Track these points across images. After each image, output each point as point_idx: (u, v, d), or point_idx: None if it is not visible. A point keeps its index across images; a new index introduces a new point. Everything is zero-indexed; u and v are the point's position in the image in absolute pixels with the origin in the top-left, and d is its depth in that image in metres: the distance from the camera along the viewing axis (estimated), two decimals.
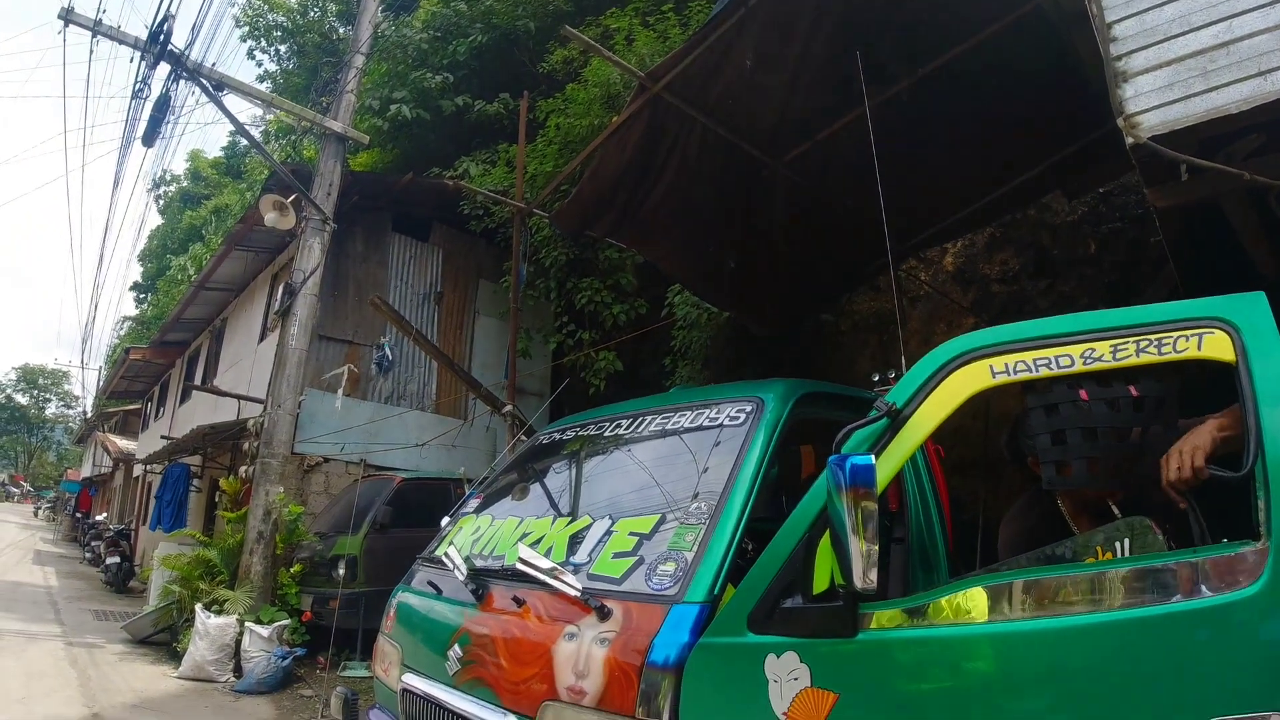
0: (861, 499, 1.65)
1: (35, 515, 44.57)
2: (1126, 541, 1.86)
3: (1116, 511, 2.03)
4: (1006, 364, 1.96)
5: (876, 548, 1.66)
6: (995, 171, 5.83)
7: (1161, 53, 2.94)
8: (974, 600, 1.82)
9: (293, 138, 19.29)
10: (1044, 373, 1.94)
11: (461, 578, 2.76)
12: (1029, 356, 1.95)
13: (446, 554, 2.94)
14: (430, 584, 3.13)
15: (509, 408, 6.52)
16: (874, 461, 1.67)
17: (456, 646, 2.65)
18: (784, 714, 1.84)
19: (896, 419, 1.94)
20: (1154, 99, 2.91)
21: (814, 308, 7.94)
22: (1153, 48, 2.96)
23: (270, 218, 9.03)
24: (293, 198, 9.12)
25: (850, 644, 1.82)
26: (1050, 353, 1.94)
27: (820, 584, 1.87)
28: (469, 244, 12.63)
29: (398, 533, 8.37)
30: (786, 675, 1.86)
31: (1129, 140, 2.91)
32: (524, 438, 5.17)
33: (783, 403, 2.59)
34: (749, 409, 2.59)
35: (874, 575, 1.65)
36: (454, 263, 12.71)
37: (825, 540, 1.86)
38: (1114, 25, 3.04)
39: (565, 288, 10.35)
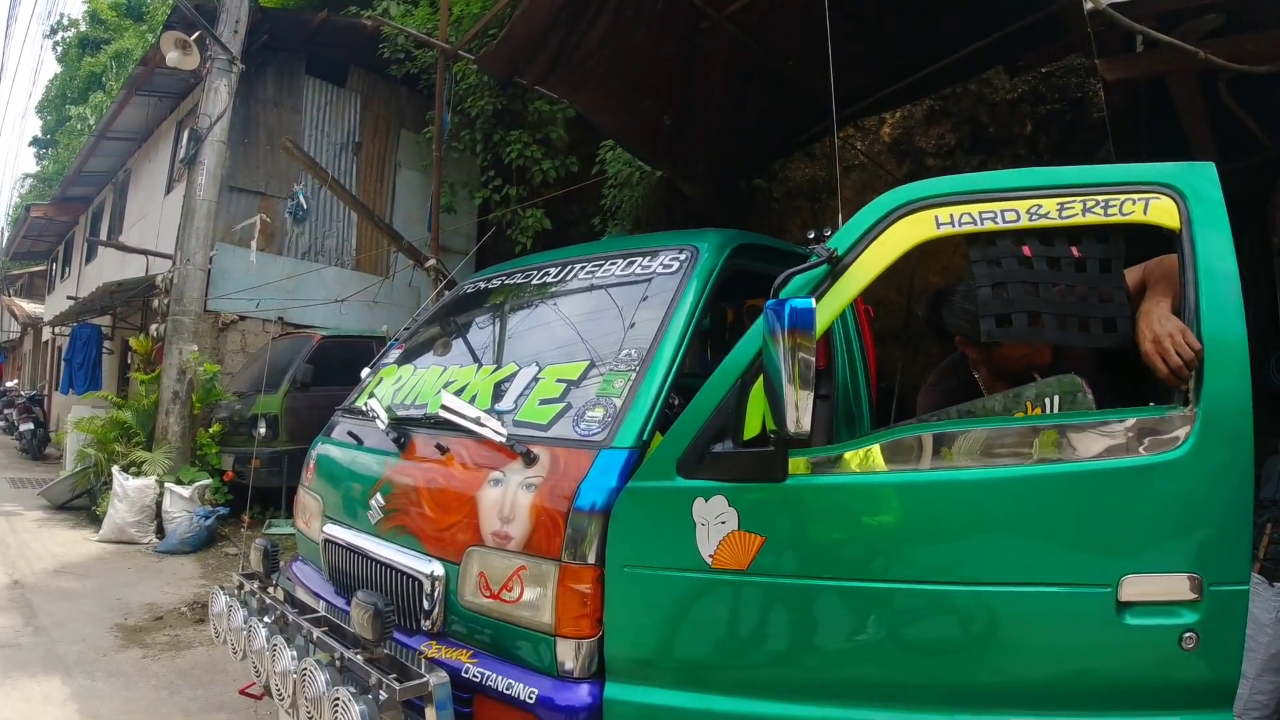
0: (799, 343, 1.61)
1: None
2: (1056, 399, 1.88)
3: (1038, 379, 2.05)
4: (952, 215, 1.91)
5: (811, 393, 1.63)
6: (939, 42, 5.67)
7: None
8: (900, 448, 1.84)
9: None
10: (989, 226, 1.90)
11: (383, 427, 2.68)
12: (975, 209, 1.91)
13: (367, 404, 2.85)
14: (351, 435, 3.05)
15: (432, 262, 6.32)
16: (814, 305, 1.62)
17: (379, 496, 2.60)
18: (710, 556, 1.86)
19: (837, 265, 1.88)
20: None
21: (749, 171, 7.82)
22: None
23: (172, 57, 8.36)
24: (196, 35, 8.41)
25: (779, 489, 1.83)
26: (996, 206, 1.91)
27: (751, 430, 1.86)
28: (389, 91, 11.94)
29: (318, 391, 8.25)
30: (714, 519, 1.86)
31: (1088, 6, 2.81)
32: (446, 292, 5.01)
33: (718, 252, 2.51)
34: (683, 257, 2.51)
35: (807, 420, 1.63)
36: (373, 110, 12.03)
37: (758, 386, 1.83)
38: None
39: (492, 141, 9.89)
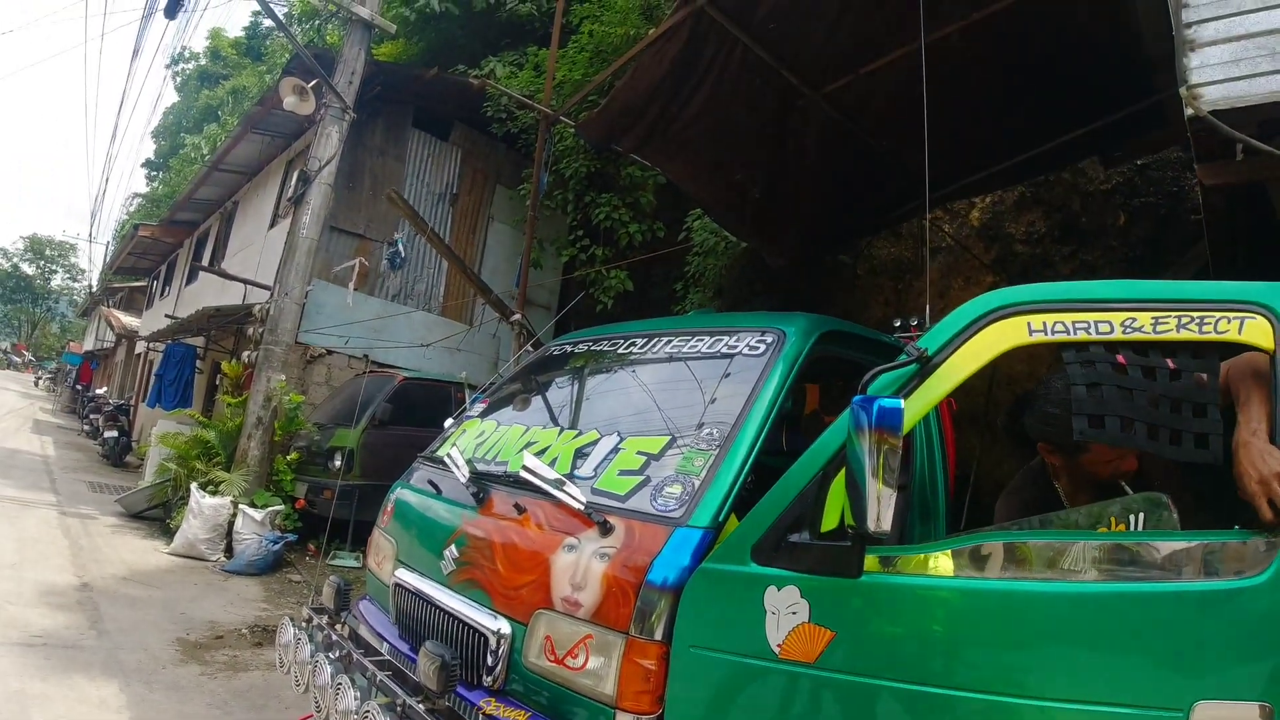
0: (885, 441, 1.62)
1: (35, 385, 44.92)
2: (1141, 515, 1.84)
3: (1128, 490, 2.01)
4: (1045, 323, 1.90)
5: (894, 493, 1.63)
6: (1034, 130, 5.65)
7: (1233, 26, 2.85)
8: (979, 555, 1.81)
9: (317, 22, 18.82)
10: (1081, 336, 1.89)
11: (463, 480, 2.76)
12: (1068, 318, 1.90)
13: (449, 455, 2.94)
14: (430, 483, 3.14)
15: (517, 316, 6.48)
16: (903, 405, 1.63)
17: (453, 547, 2.66)
18: (779, 645, 1.86)
19: (926, 365, 1.89)
20: (1219, 73, 2.82)
21: (833, 247, 7.84)
22: (1224, 20, 2.87)
23: (289, 101, 8.88)
24: (313, 83, 8.93)
25: (854, 584, 1.82)
26: (1091, 317, 1.89)
27: (830, 522, 1.86)
28: (489, 147, 12.40)
29: (396, 430, 8.47)
30: (786, 608, 1.86)
31: (1189, 111, 2.82)
32: (530, 348, 5.14)
33: (804, 337, 2.54)
34: (770, 340, 2.55)
35: (888, 519, 1.63)
36: (472, 165, 12.50)
37: (839, 479, 1.84)
38: None
39: (583, 201, 10.18)
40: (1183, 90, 2.85)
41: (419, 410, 8.45)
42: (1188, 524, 1.82)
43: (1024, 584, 1.77)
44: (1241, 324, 1.83)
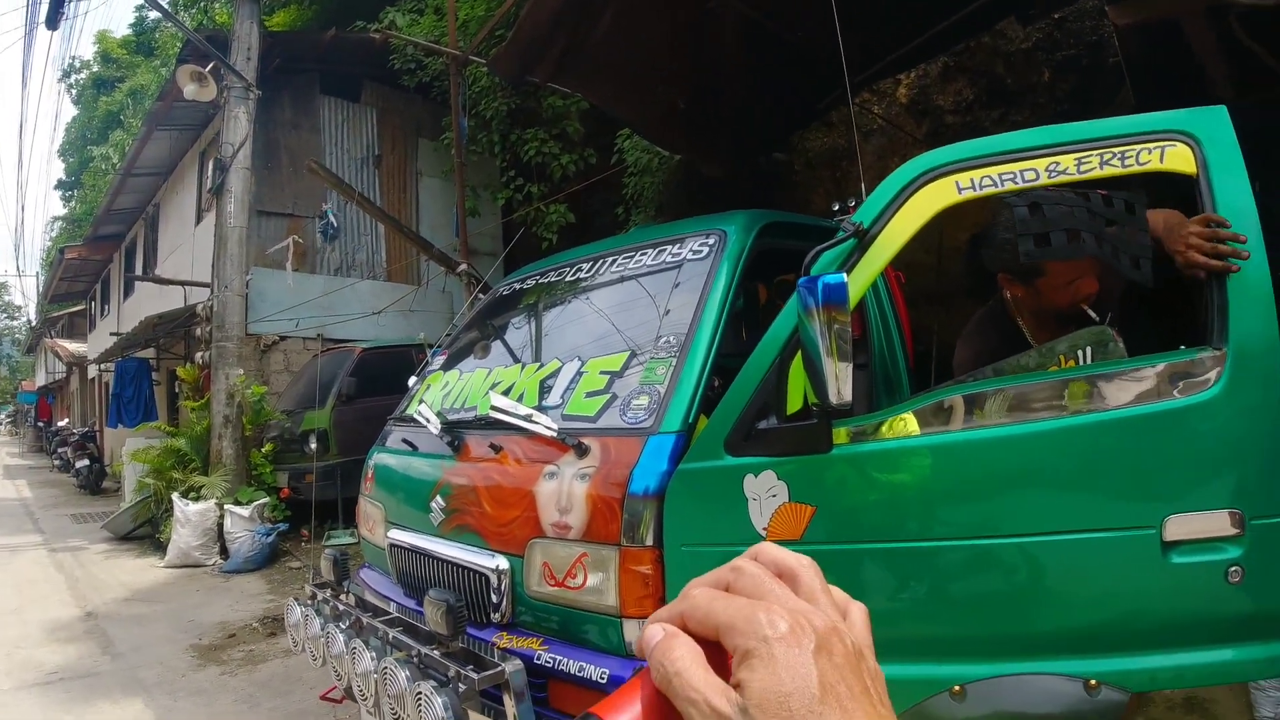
0: (834, 317, 1.66)
1: None
2: (1089, 350, 1.92)
3: (1093, 316, 2.07)
4: (972, 179, 1.94)
5: (850, 365, 1.68)
6: None
7: None
8: (941, 411, 1.89)
9: (203, 3, 17.91)
10: (1009, 187, 1.93)
11: (436, 431, 2.78)
12: (994, 171, 1.94)
13: (418, 411, 2.95)
14: (405, 442, 3.16)
15: (463, 267, 6.42)
16: (846, 279, 1.67)
17: (439, 498, 2.69)
18: (764, 528, 1.93)
19: (864, 238, 1.93)
20: None
21: (767, 146, 7.80)
22: None
23: (190, 90, 8.55)
24: (211, 66, 8.59)
25: (825, 459, 1.89)
26: (1015, 167, 1.93)
27: (794, 404, 1.92)
28: (404, 102, 12.08)
29: (363, 402, 8.44)
30: (765, 493, 1.93)
31: None
32: (481, 295, 5.11)
33: (745, 233, 2.57)
34: (712, 242, 2.57)
35: (848, 391, 1.69)
36: (390, 122, 12.18)
37: (796, 362, 1.89)
38: None
39: (509, 140, 9.98)
40: None
41: (383, 379, 8.37)
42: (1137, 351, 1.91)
43: (984, 431, 1.85)
44: (1163, 153, 1.88)
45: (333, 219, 10.60)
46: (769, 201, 8.10)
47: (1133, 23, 3.25)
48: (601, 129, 9.14)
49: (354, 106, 11.84)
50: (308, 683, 4.50)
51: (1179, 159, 1.87)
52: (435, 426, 2.79)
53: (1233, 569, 1.70)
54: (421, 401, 3.12)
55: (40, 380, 33.67)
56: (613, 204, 9.20)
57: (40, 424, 27.99)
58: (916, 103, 7.99)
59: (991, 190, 1.93)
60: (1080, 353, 1.94)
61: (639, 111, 6.14)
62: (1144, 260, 1.88)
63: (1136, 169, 1.89)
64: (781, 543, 1.66)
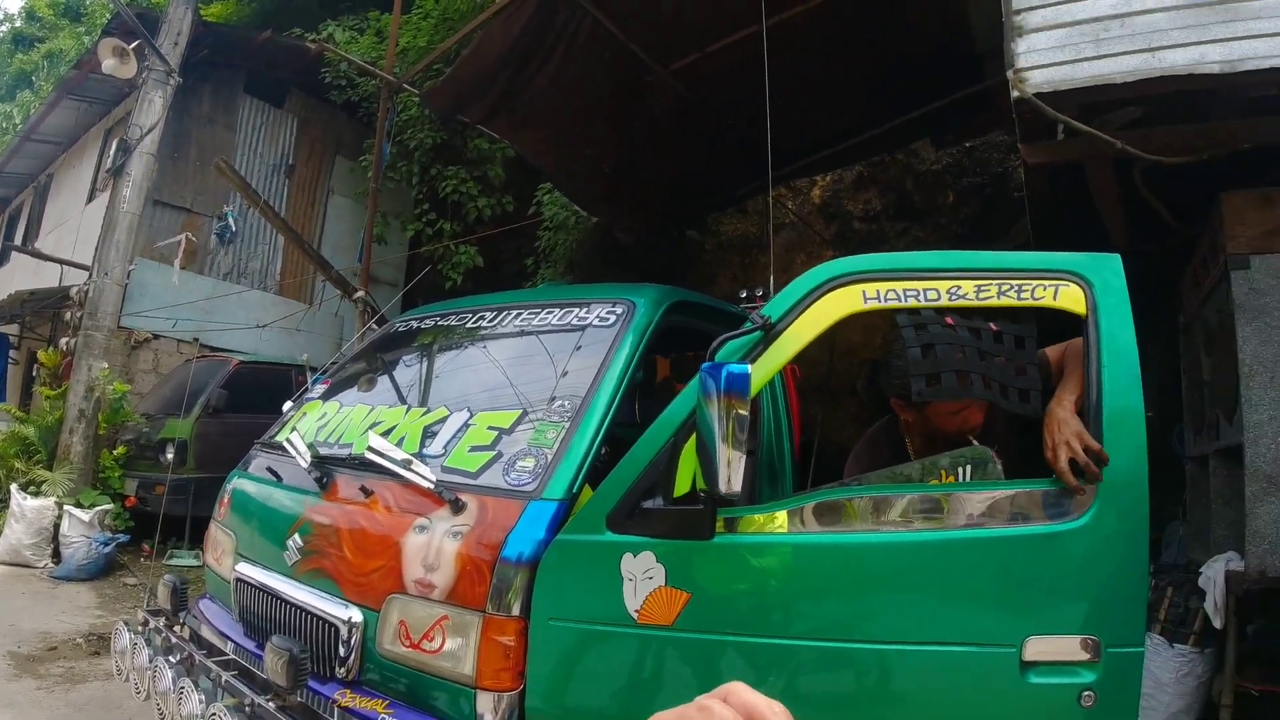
0: (733, 406, 1.66)
1: None
2: (969, 467, 1.98)
3: (976, 444, 2.14)
4: (878, 290, 2.01)
5: (743, 456, 1.68)
6: (872, 112, 5.97)
7: (1060, 14, 3.03)
8: (824, 511, 1.90)
9: None
10: (912, 303, 2.01)
11: (304, 465, 2.62)
12: (900, 286, 2.01)
13: (289, 440, 2.79)
14: (269, 470, 2.97)
15: (361, 294, 6.22)
16: (749, 370, 1.68)
17: (297, 536, 2.53)
18: (636, 611, 1.88)
19: (770, 332, 1.96)
20: (1045, 57, 3.00)
21: (683, 222, 7.99)
22: (1052, 8, 3.04)
23: (109, 64, 8.12)
24: (135, 44, 8.17)
25: (707, 546, 1.87)
26: (919, 285, 2.02)
27: (682, 487, 1.90)
28: (328, 116, 11.79)
29: (232, 418, 7.96)
30: (642, 574, 1.88)
31: (1015, 93, 3.00)
32: (375, 326, 4.95)
33: (654, 307, 2.57)
34: (620, 311, 2.56)
35: (738, 481, 1.68)
36: (310, 134, 11.86)
37: (690, 445, 1.88)
38: None
39: (429, 174, 9.86)
40: (1010, 73, 3.02)
41: (257, 396, 7.96)
42: (1015, 475, 1.98)
43: (854, 535, 1.88)
44: (1056, 291, 2.00)
45: (232, 222, 10.18)
46: (678, 276, 8.28)
47: (1042, 163, 3.47)
48: (524, 178, 9.16)
49: (276, 112, 11.49)
50: (127, 712, 4.11)
51: (1071, 299, 1.99)
52: (304, 459, 2.64)
53: (1086, 693, 1.76)
54: (294, 430, 2.95)
55: None
56: (524, 254, 9.19)
57: None
58: (828, 205, 8.37)
59: (895, 304, 2.00)
60: (961, 469, 2.00)
61: (564, 168, 6.20)
62: (1033, 393, 1.96)
63: (1031, 303, 1.99)
64: (652, 628, 1.61)
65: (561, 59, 4.96)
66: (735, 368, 1.67)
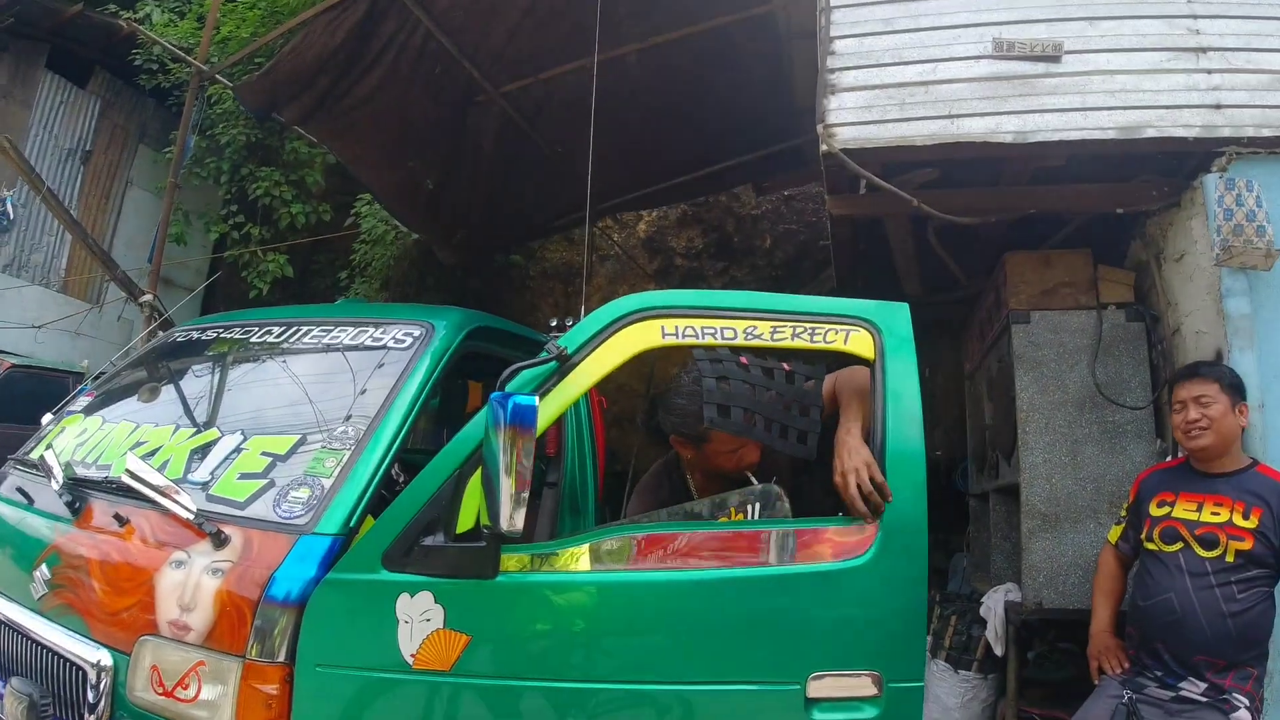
0: (519, 439, 1.61)
1: None
2: (757, 505, 2.02)
3: (754, 481, 2.19)
4: (677, 327, 2.03)
5: (527, 492, 1.63)
6: (698, 154, 6.18)
7: (870, 76, 3.22)
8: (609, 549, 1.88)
9: None
10: (709, 341, 2.05)
11: (56, 487, 2.34)
12: (698, 323, 2.05)
13: (43, 457, 2.49)
14: (20, 491, 2.62)
15: (148, 297, 5.69)
16: (538, 403, 1.63)
17: (44, 566, 2.24)
18: (412, 655, 1.77)
19: (565, 364, 1.93)
20: (853, 115, 3.18)
21: (506, 247, 7.91)
22: (864, 70, 3.23)
23: None
24: None
25: (488, 585, 1.80)
26: (716, 323, 2.06)
27: (466, 523, 1.82)
28: (135, 100, 10.83)
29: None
30: (419, 616, 1.78)
31: (823, 147, 3.15)
32: (160, 332, 4.54)
33: (454, 332, 2.48)
34: (417, 334, 2.45)
35: (520, 518, 1.63)
36: (112, 118, 10.82)
37: (476, 478, 1.81)
38: (836, 41, 3.26)
39: (240, 174, 9.18)
40: (820, 128, 3.18)
41: (29, 404, 7.04)
42: (801, 513, 2.04)
43: (648, 574, 1.87)
44: (847, 336, 2.10)
45: (10, 209, 9.12)
46: (499, 301, 8.18)
47: (846, 214, 3.68)
48: (344, 186, 8.72)
49: (78, 92, 10.42)
50: None
51: (861, 343, 2.09)
52: (57, 480, 2.35)
53: None
54: (50, 446, 2.63)
55: None
56: (338, 267, 8.75)
57: None
58: (653, 239, 8.57)
59: (692, 341, 2.03)
60: (749, 507, 2.04)
61: (385, 181, 5.97)
62: (811, 435, 2.03)
63: (823, 346, 2.08)
64: (429, 673, 1.52)
65: (390, 68, 4.79)
66: (523, 399, 1.63)
